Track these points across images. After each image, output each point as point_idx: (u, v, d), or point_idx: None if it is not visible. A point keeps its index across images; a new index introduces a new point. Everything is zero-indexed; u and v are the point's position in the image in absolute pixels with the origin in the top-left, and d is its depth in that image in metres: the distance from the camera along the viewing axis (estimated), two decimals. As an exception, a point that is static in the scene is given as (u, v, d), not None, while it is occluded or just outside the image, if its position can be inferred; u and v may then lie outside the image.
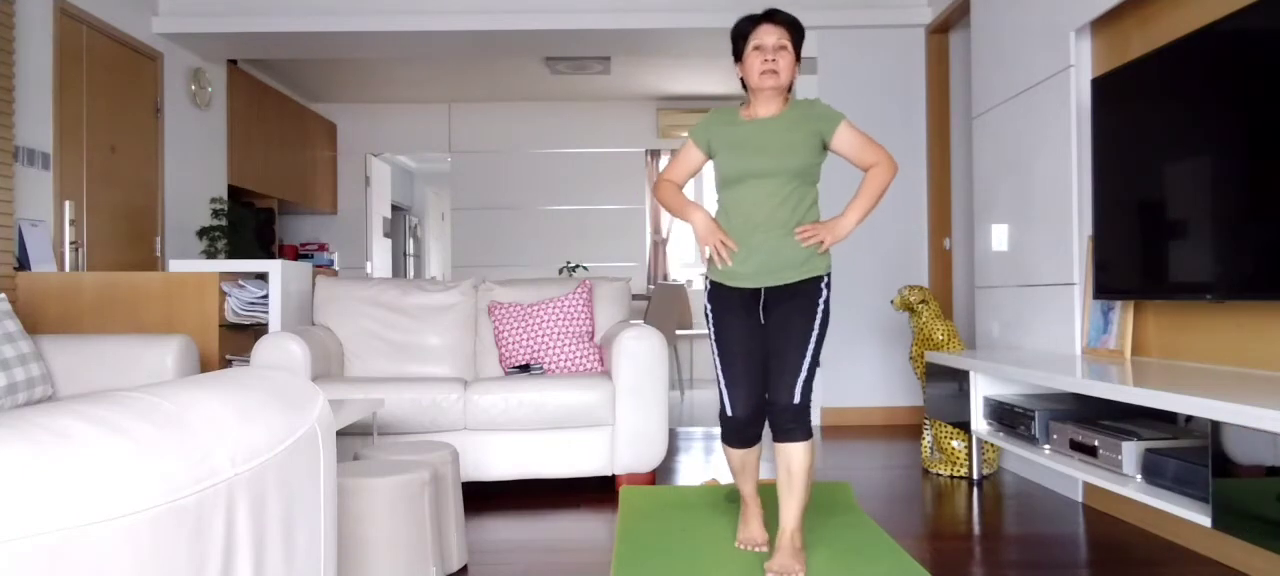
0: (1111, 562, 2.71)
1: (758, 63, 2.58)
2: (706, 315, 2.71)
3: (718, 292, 2.67)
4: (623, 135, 8.37)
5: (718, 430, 5.24)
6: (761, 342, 2.61)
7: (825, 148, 2.63)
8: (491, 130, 8.34)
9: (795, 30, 2.64)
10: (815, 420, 5.41)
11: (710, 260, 2.67)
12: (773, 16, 2.62)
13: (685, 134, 8.90)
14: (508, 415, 3.58)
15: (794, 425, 2.54)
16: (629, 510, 3.27)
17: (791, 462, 2.54)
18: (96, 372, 3.33)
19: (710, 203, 2.76)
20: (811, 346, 2.56)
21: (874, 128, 5.41)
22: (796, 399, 2.54)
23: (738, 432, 2.65)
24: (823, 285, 2.61)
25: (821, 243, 2.56)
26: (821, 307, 2.60)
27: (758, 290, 2.61)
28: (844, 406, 5.42)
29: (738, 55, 2.66)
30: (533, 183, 8.33)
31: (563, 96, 8.12)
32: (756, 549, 2.75)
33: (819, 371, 5.24)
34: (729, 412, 2.63)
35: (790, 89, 2.66)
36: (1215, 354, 2.82)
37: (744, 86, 2.68)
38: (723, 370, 2.64)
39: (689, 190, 2.85)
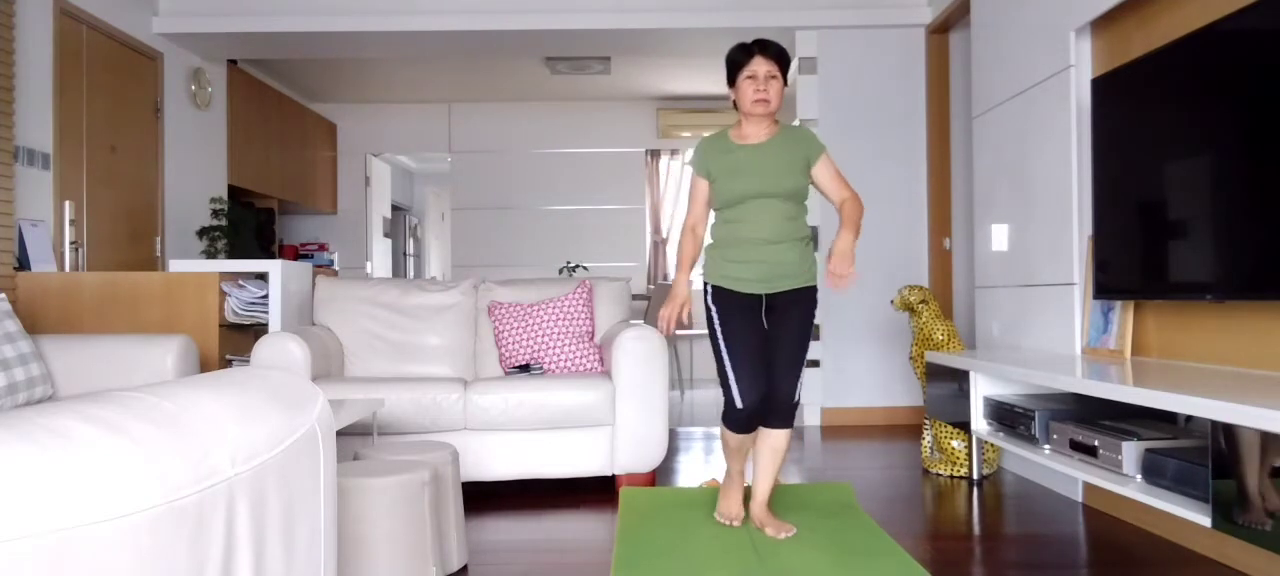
0: (1111, 562, 2.71)
1: (750, 91, 2.84)
2: (710, 315, 2.92)
3: (721, 294, 2.90)
4: (623, 135, 8.36)
5: (717, 430, 5.28)
6: (763, 341, 2.87)
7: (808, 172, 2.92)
8: (491, 130, 8.33)
9: (783, 60, 2.88)
10: (815, 420, 5.41)
11: (706, 265, 2.97)
12: (764, 49, 2.86)
13: (686, 134, 8.83)
14: (508, 415, 3.58)
15: (788, 415, 2.91)
16: (629, 510, 3.27)
17: (778, 444, 2.93)
18: (96, 372, 3.33)
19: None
20: (807, 347, 2.92)
21: (874, 128, 5.45)
22: (796, 395, 2.90)
23: (744, 422, 2.88)
24: (816, 292, 2.95)
25: (850, 277, 2.71)
26: (814, 312, 2.94)
27: (760, 295, 2.87)
28: (844, 406, 5.42)
29: (731, 81, 2.92)
30: (533, 183, 8.33)
31: (563, 96, 8.12)
32: (733, 523, 3.02)
33: (818, 372, 5.31)
34: (738, 404, 2.84)
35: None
36: (1215, 354, 2.82)
37: (736, 107, 2.94)
38: (732, 365, 2.85)
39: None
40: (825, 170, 2.89)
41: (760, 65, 2.83)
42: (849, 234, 2.78)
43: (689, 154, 8.52)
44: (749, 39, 2.89)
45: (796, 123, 5.41)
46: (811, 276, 2.92)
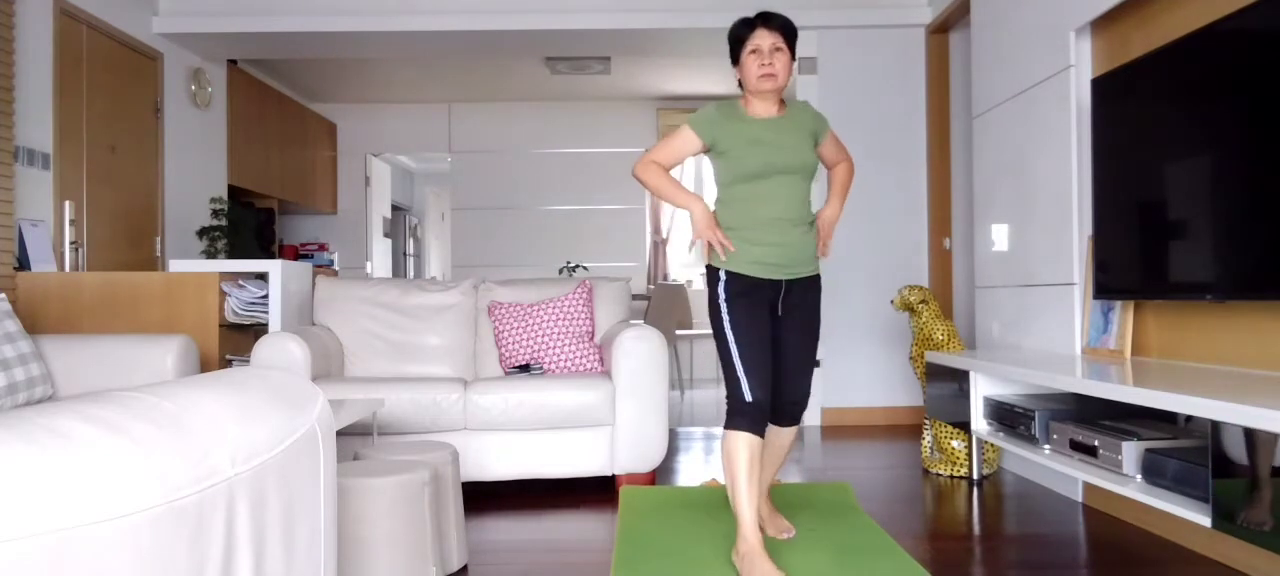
0: (1111, 562, 2.71)
1: (755, 66, 2.65)
2: (720, 303, 2.64)
3: (736, 281, 2.63)
4: (623, 135, 8.36)
5: (718, 430, 5.28)
6: (771, 331, 2.67)
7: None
8: (491, 130, 8.34)
9: (789, 32, 2.69)
10: (815, 420, 5.41)
11: (710, 248, 2.67)
12: (767, 21, 2.67)
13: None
14: (508, 415, 3.58)
15: (799, 412, 2.81)
16: (629, 510, 3.27)
17: (785, 441, 2.84)
18: (96, 372, 3.33)
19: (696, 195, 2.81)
20: (818, 339, 2.84)
21: (874, 128, 5.45)
22: (809, 391, 2.81)
23: (755, 417, 2.56)
24: (821, 278, 2.85)
25: (827, 249, 2.80)
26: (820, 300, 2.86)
27: (779, 282, 2.66)
28: (844, 406, 5.42)
29: (735, 59, 2.73)
30: (533, 183, 8.33)
31: (563, 96, 8.12)
32: None
33: (818, 371, 5.31)
34: (748, 397, 2.55)
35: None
36: (1215, 354, 2.82)
37: (741, 86, 2.76)
38: (742, 357, 2.58)
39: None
40: (830, 142, 2.85)
41: (764, 38, 2.63)
42: (838, 204, 2.81)
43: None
44: None
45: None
46: (818, 262, 2.80)
